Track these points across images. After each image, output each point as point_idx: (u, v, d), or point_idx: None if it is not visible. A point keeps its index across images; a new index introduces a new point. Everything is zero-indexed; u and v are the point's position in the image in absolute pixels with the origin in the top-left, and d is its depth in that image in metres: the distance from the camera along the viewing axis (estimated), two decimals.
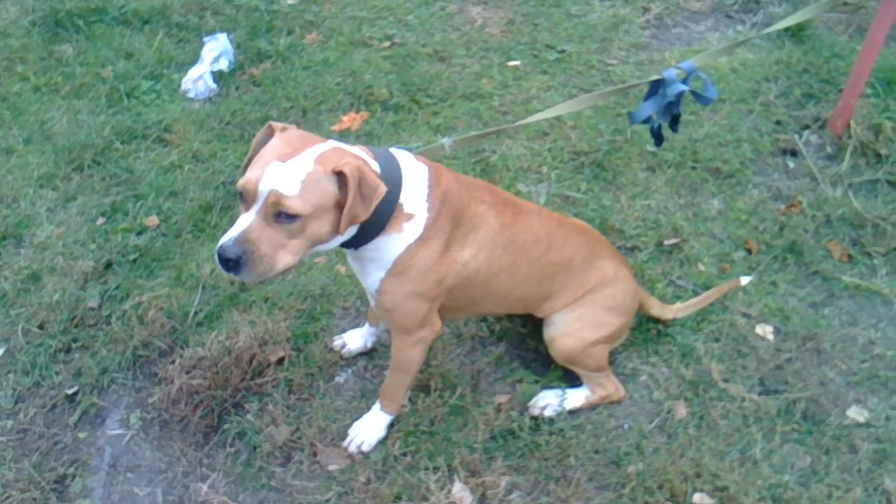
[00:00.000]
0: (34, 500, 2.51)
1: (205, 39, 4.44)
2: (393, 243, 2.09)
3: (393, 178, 2.04)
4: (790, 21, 2.82)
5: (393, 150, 2.14)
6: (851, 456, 2.46)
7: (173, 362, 2.78)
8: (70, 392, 2.83)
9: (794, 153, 3.56)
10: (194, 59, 4.43)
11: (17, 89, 4.37)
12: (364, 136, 3.79)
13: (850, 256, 3.08)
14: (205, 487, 2.51)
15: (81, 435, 2.71)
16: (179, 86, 4.31)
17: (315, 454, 2.54)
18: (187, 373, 2.73)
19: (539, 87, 4.01)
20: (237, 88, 4.29)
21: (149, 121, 4.05)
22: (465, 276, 2.24)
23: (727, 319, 2.84)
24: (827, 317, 2.87)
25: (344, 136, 3.81)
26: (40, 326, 3.02)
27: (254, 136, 3.75)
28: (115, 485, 2.55)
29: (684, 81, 2.75)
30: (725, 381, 2.64)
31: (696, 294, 2.93)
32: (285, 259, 1.92)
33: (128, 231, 3.37)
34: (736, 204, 3.31)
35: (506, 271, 2.31)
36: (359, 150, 2.03)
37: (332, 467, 2.50)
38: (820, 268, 3.04)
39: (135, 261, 3.22)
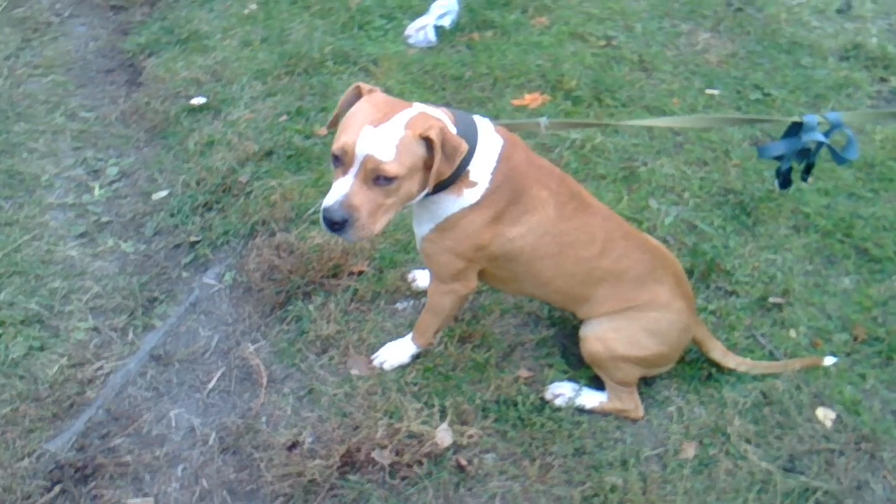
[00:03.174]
0: (127, 306, 3.02)
1: None
2: (449, 203, 2.24)
3: (468, 144, 2.15)
4: None
5: (476, 118, 2.27)
6: None
7: (273, 235, 3.15)
8: (194, 240, 3.31)
9: None
10: (425, 10, 4.80)
11: None
12: (533, 115, 3.93)
13: None
14: (251, 348, 2.85)
15: (185, 274, 3.18)
16: (405, 31, 4.71)
17: (346, 356, 2.79)
18: (277, 253, 3.09)
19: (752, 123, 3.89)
20: (452, 46, 4.61)
21: (365, 52, 4.49)
22: (510, 251, 2.35)
23: (789, 390, 2.66)
24: None
25: (519, 111, 3.99)
26: (197, 183, 3.54)
27: (444, 88, 4.09)
28: (188, 320, 2.97)
29: (827, 134, 2.61)
30: (746, 441, 2.49)
31: (771, 358, 2.77)
32: (383, 220, 2.11)
33: (299, 132, 3.81)
34: (867, 290, 3.04)
35: (550, 260, 2.38)
36: (441, 113, 2.17)
37: (353, 371, 2.73)
38: None
39: (290, 157, 3.65)
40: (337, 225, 2.04)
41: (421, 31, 4.64)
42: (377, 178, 2.02)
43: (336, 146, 2.05)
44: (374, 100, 2.11)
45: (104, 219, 3.47)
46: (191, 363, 2.83)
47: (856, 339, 2.87)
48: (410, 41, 4.66)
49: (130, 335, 2.91)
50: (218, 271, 3.17)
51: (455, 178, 2.18)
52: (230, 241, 3.28)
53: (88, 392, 2.69)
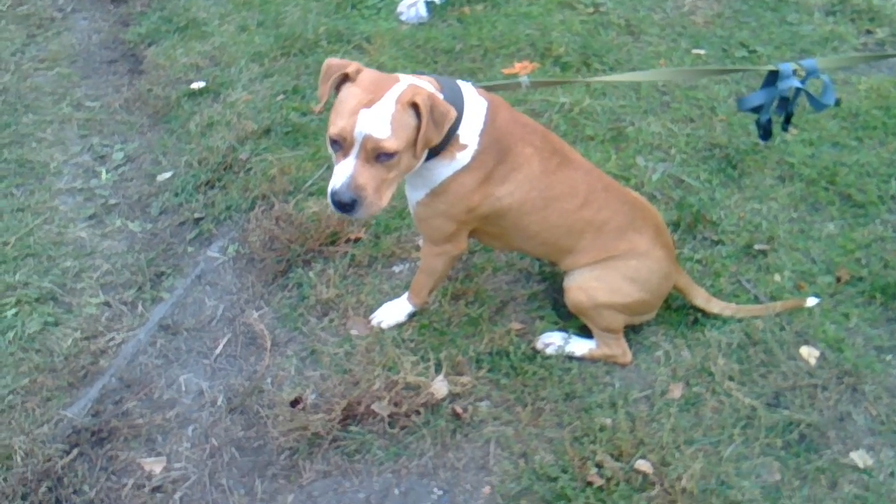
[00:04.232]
0: (136, 281, 3.15)
1: None
2: (443, 168, 2.33)
3: (456, 109, 2.23)
4: None
5: (459, 82, 2.36)
6: (828, 491, 2.33)
7: (272, 207, 3.27)
8: (197, 216, 3.44)
9: None
10: None
11: None
12: None
13: None
14: (255, 314, 2.98)
15: (190, 249, 3.31)
16: (397, 8, 4.80)
17: (346, 318, 2.91)
18: (276, 224, 3.21)
19: (708, 78, 3.96)
20: (444, 20, 4.70)
21: (358, 30, 4.59)
22: (499, 209, 2.44)
23: (773, 331, 2.75)
24: (886, 363, 2.67)
25: (509, 78, 4.07)
26: (199, 162, 3.67)
27: (435, 61, 4.17)
28: (194, 291, 3.10)
29: (803, 81, 2.68)
30: (731, 379, 2.59)
31: (756, 302, 2.86)
32: (388, 194, 2.20)
33: (296, 110, 3.92)
34: (851, 233, 3.12)
35: (536, 214, 2.47)
36: (427, 83, 2.25)
37: (353, 332, 2.85)
38: None
39: (287, 133, 3.76)
40: (347, 206, 2.13)
41: (412, 7, 4.72)
42: (378, 155, 2.11)
43: (333, 131, 2.12)
44: (362, 81, 2.16)
45: (112, 201, 3.60)
46: (198, 331, 2.96)
47: (839, 280, 2.95)
48: (402, 18, 4.75)
49: (140, 308, 3.05)
50: (221, 244, 3.29)
51: (447, 143, 2.28)
52: (232, 215, 3.40)
53: (101, 362, 2.83)
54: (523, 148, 2.39)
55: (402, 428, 2.53)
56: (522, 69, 4.16)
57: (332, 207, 2.18)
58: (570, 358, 2.70)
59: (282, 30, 4.62)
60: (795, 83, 2.67)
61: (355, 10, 4.83)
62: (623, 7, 4.64)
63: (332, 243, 3.17)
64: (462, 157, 2.30)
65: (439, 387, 2.60)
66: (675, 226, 3.16)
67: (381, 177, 2.14)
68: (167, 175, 3.71)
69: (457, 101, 2.26)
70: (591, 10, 4.63)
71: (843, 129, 3.63)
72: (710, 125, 3.67)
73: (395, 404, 2.55)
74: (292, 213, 3.25)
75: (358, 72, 2.18)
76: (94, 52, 4.75)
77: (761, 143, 3.29)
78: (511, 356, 2.69)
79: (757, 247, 3.08)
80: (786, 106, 2.83)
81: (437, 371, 2.65)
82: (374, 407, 2.55)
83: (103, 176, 3.74)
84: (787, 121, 2.86)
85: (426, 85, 2.23)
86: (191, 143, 3.80)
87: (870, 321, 2.82)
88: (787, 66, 2.67)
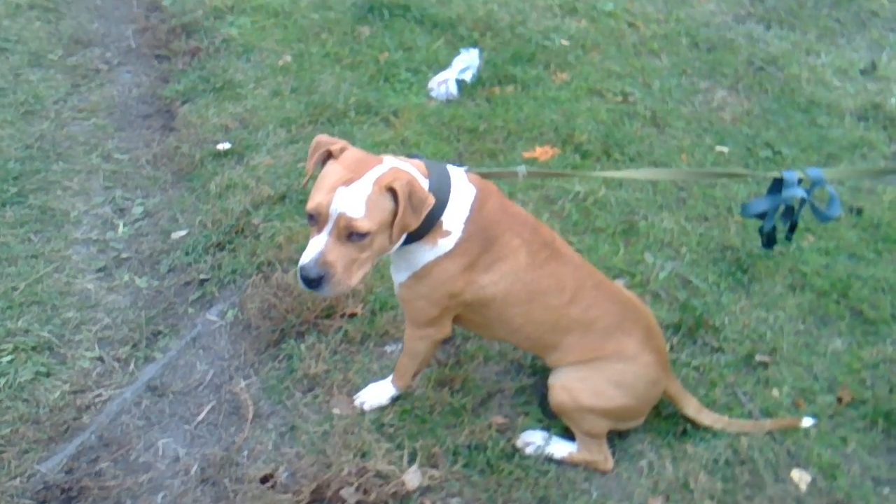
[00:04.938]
0: (133, 338, 3.18)
1: (461, 50, 4.97)
2: (424, 253, 2.34)
3: (441, 195, 2.26)
4: None
5: (450, 167, 2.37)
6: None
7: (268, 279, 3.29)
8: (203, 277, 3.48)
9: None
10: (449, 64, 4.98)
11: (314, 51, 5.27)
12: (543, 167, 4.02)
13: None
14: (243, 383, 2.97)
15: (191, 310, 3.33)
16: (427, 84, 4.88)
17: (330, 395, 2.88)
18: (275, 292, 3.22)
19: (728, 178, 3.92)
20: (473, 100, 4.76)
21: (387, 103, 4.67)
22: (482, 298, 2.43)
23: (765, 450, 2.64)
24: (882, 496, 2.55)
25: (529, 162, 4.08)
26: (213, 223, 3.73)
27: (458, 139, 4.22)
28: (187, 354, 3.11)
29: (809, 191, 2.63)
30: (711, 498, 2.48)
31: (750, 417, 2.77)
32: (358, 274, 2.21)
33: (313, 178, 3.96)
34: (859, 352, 3.01)
35: (521, 307, 2.44)
36: (411, 166, 2.27)
37: (335, 410, 2.82)
38: None
39: (302, 201, 3.80)
40: (314, 282, 2.14)
41: (443, 84, 4.80)
42: (350, 234, 2.13)
43: (310, 206, 2.15)
44: (345, 160, 2.19)
45: (124, 255, 3.66)
46: (184, 395, 2.96)
47: (840, 400, 2.84)
48: (433, 94, 4.82)
49: (132, 366, 3.06)
50: (221, 308, 3.31)
51: (429, 229, 2.28)
52: (237, 279, 3.43)
53: (84, 417, 2.84)
54: (511, 239, 2.37)
55: None
56: (543, 154, 4.17)
57: (300, 283, 2.18)
58: (550, 460, 2.63)
59: (313, 97, 4.72)
60: (800, 192, 2.62)
61: (388, 83, 4.93)
62: (652, 98, 4.65)
63: (328, 316, 3.17)
64: (444, 244, 2.30)
65: (412, 478, 2.55)
66: (676, 328, 3.09)
67: (351, 256, 2.15)
68: (182, 233, 3.77)
69: (443, 187, 2.26)
70: (619, 98, 4.65)
71: (862, 240, 3.54)
72: (725, 226, 3.61)
73: (364, 492, 2.50)
74: (291, 283, 3.26)
75: (342, 150, 2.22)
76: (131, 105, 4.91)
77: (763, 250, 3.21)
78: (489, 452, 2.63)
79: (758, 358, 2.99)
80: (791, 215, 2.78)
81: (412, 461, 2.60)
82: (343, 493, 2.51)
83: (120, 229, 3.81)
84: (792, 230, 2.80)
85: (411, 169, 2.24)
86: (208, 203, 3.87)
87: (869, 448, 2.70)
88: (791, 175, 2.63)
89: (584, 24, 5.75)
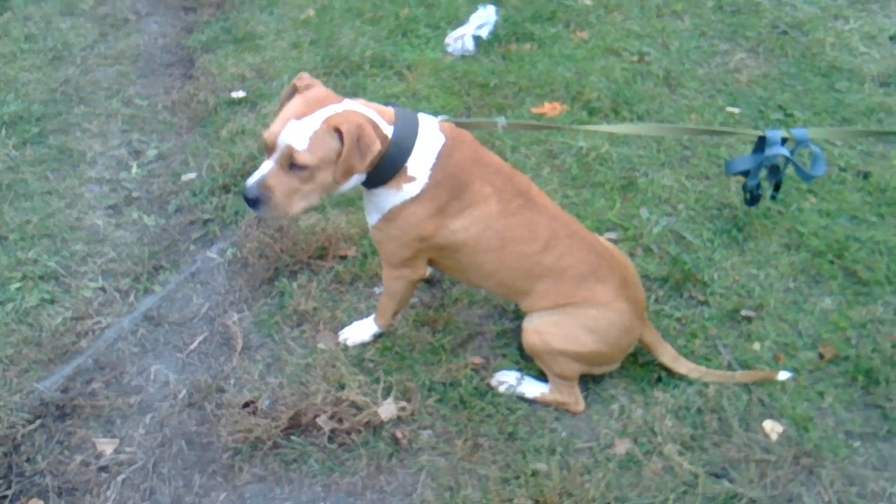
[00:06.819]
0: (135, 271, 3.30)
1: (477, 7, 4.97)
2: (390, 197, 2.40)
3: (404, 142, 2.32)
4: None
5: (421, 116, 2.42)
6: None
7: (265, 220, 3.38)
8: (207, 217, 3.58)
9: None
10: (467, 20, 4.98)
11: (336, 6, 5.32)
12: (551, 122, 4.03)
13: None
14: (235, 317, 3.08)
15: (192, 248, 3.44)
16: (445, 40, 4.90)
17: (317, 331, 2.97)
18: (271, 232, 3.31)
19: (735, 137, 3.88)
20: (488, 56, 4.76)
21: (402, 58, 4.70)
22: (454, 243, 2.48)
23: (738, 400, 2.66)
24: (854, 449, 2.54)
25: (536, 118, 4.09)
26: (221, 166, 3.82)
27: (468, 94, 4.24)
28: (185, 288, 3.23)
29: (793, 150, 2.62)
30: (675, 442, 2.51)
31: (729, 369, 2.78)
32: (301, 204, 2.31)
33: None
34: (848, 311, 2.98)
35: (492, 253, 2.48)
36: (374, 112, 2.31)
37: (320, 345, 2.91)
38: (888, 406, 2.67)
39: None
40: (251, 201, 2.27)
41: (459, 40, 4.81)
42: (292, 165, 2.22)
43: (265, 134, 2.27)
44: (306, 96, 2.28)
45: (135, 194, 3.79)
46: (179, 326, 3.07)
47: (822, 357, 2.83)
48: (449, 49, 4.83)
49: (132, 297, 3.19)
50: (221, 247, 3.41)
51: (393, 174, 2.34)
52: (238, 220, 3.52)
53: (83, 342, 2.97)
54: (482, 186, 2.41)
55: (341, 445, 2.56)
56: (551, 110, 4.17)
57: (243, 201, 2.32)
58: (522, 399, 2.68)
59: (331, 50, 4.78)
60: (783, 151, 2.61)
61: (405, 37, 4.95)
62: (668, 58, 4.60)
63: (321, 257, 3.25)
64: (410, 189, 2.36)
65: (385, 409, 2.63)
66: (664, 281, 3.10)
67: (293, 185, 2.25)
68: (191, 175, 3.88)
69: (409, 135, 2.32)
70: (636, 58, 4.61)
71: (865, 202, 3.49)
72: (725, 184, 3.59)
73: (339, 420, 2.59)
74: (286, 224, 3.35)
75: (307, 87, 2.30)
76: (155, 54, 5.02)
77: (746, 207, 3.19)
78: (462, 388, 2.69)
79: (743, 312, 2.98)
80: (777, 173, 2.77)
81: (388, 394, 2.68)
82: (319, 420, 2.60)
83: (133, 170, 3.93)
84: (777, 189, 2.79)
85: (372, 114, 2.29)
86: (218, 147, 3.96)
87: (846, 403, 2.69)
88: (775, 133, 2.62)
89: None
